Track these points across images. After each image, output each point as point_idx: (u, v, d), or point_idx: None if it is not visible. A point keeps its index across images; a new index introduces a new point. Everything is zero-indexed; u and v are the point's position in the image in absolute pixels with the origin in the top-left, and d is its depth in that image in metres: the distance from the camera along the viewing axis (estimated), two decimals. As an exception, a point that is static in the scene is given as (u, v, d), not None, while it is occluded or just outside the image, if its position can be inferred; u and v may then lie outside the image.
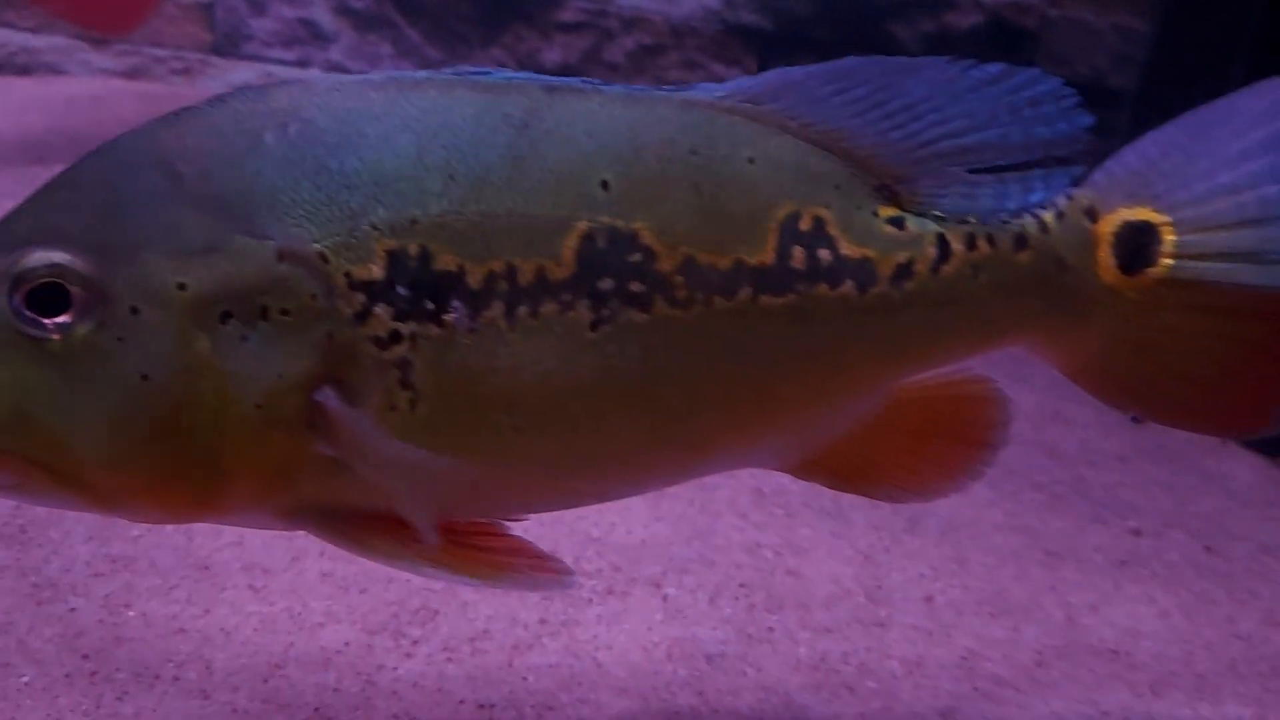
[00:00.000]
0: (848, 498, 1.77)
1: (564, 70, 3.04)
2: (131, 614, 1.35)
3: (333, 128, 0.86)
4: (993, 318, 1.00)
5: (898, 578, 1.59)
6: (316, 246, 0.84)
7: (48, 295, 0.80)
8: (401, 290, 0.85)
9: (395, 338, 0.85)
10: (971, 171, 1.00)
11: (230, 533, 1.51)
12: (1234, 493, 2.02)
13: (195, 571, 1.43)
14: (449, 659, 1.33)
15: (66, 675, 1.25)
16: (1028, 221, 1.00)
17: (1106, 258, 1.01)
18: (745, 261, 0.92)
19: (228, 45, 3.03)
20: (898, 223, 0.97)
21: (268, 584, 1.42)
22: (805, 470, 1.07)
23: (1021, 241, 0.99)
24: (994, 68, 0.99)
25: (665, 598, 1.48)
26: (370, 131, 0.86)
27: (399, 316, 0.85)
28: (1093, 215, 1.01)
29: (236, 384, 0.83)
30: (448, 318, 0.86)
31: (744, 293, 0.92)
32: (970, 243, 0.98)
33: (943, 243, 0.98)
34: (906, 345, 0.99)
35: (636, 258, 0.89)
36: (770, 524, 1.66)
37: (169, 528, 1.51)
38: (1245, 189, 1.01)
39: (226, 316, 0.83)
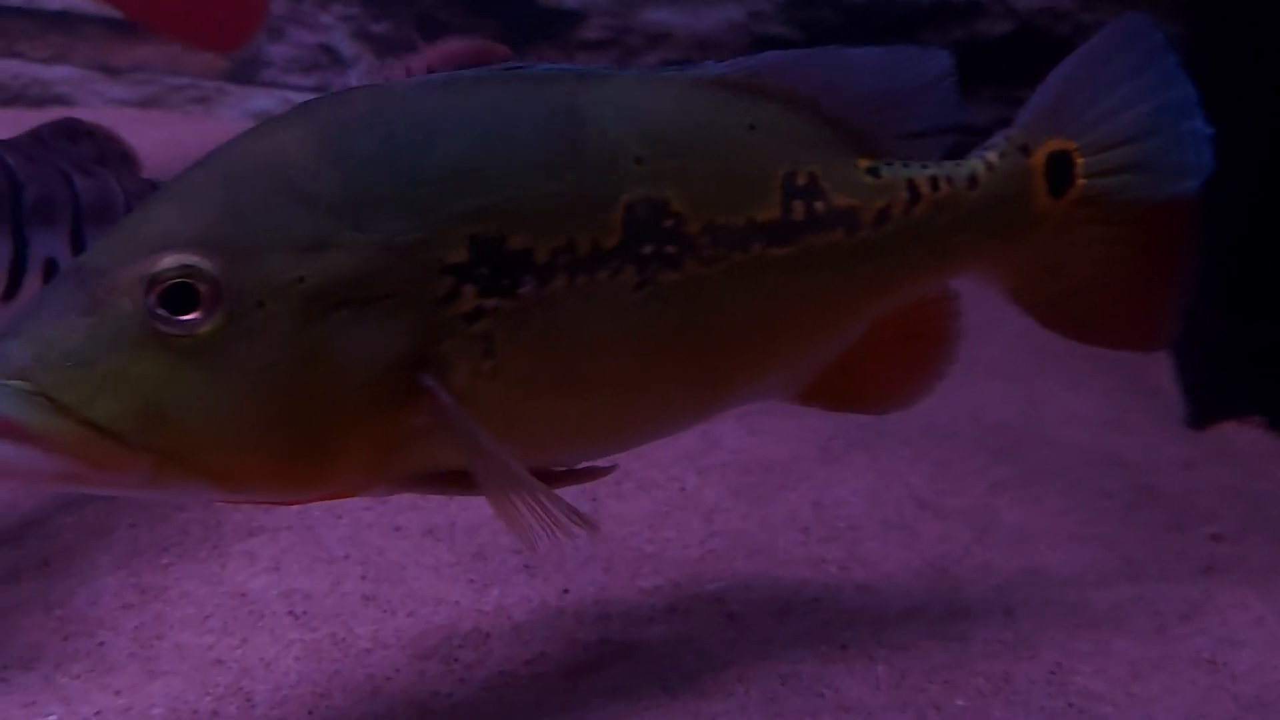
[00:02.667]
0: (912, 510, 1.69)
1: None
2: (164, 646, 1.27)
3: (413, 128, 0.95)
4: (953, 249, 1.17)
5: (973, 591, 1.49)
6: (411, 237, 0.92)
7: (178, 295, 0.87)
8: (483, 270, 0.94)
9: (479, 313, 0.94)
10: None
11: (266, 558, 1.43)
12: (1310, 497, 1.92)
13: (231, 599, 1.35)
14: (506, 684, 1.24)
15: (97, 713, 1.16)
16: (976, 163, 1.17)
17: (1039, 186, 1.19)
18: (755, 218, 1.05)
19: (245, 72, 2.98)
20: (874, 172, 1.12)
21: (309, 609, 1.34)
22: (807, 398, 1.19)
23: (973, 181, 1.16)
24: (912, 49, 1.15)
25: (730, 615, 1.39)
26: (444, 129, 0.96)
27: (481, 294, 0.94)
28: (1026, 152, 1.19)
29: (348, 365, 0.90)
30: (521, 291, 0.95)
31: (756, 246, 1.05)
32: (934, 185, 1.14)
33: (912, 187, 1.13)
34: (888, 279, 1.14)
35: (670, 224, 1.01)
36: (833, 537, 1.58)
37: (202, 553, 1.43)
38: (1124, 111, 1.20)
39: (338, 305, 0.90)
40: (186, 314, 0.87)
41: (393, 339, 0.91)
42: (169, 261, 0.87)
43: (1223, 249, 2.21)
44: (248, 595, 1.36)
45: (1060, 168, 1.19)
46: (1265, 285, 2.23)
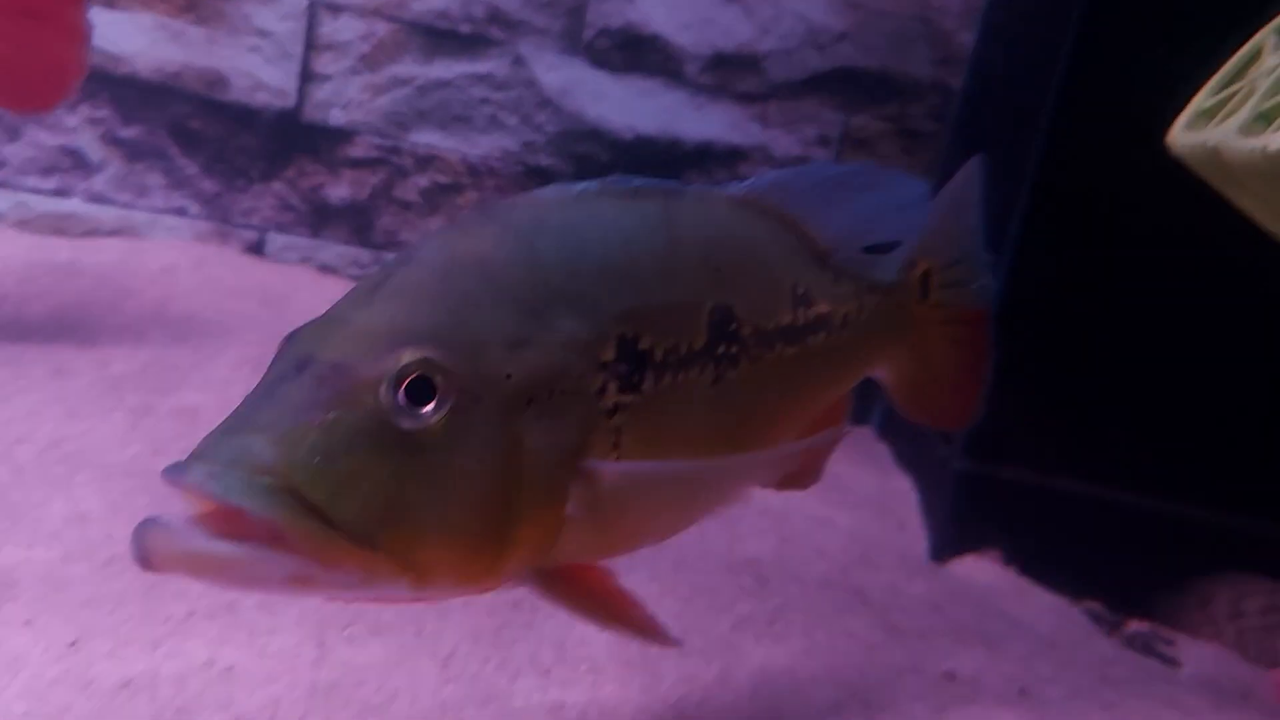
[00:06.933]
0: (655, 648, 1.65)
1: (353, 206, 2.91)
2: None
3: (571, 237, 1.04)
4: (884, 343, 1.38)
5: (712, 737, 1.46)
6: (585, 336, 1.01)
7: (419, 389, 0.90)
8: (622, 368, 1.03)
9: (616, 408, 1.03)
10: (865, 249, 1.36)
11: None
12: (1040, 636, 1.99)
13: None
14: None
15: None
16: (894, 276, 1.39)
17: (917, 294, 1.42)
18: (780, 323, 1.20)
19: (-25, 171, 2.77)
20: (839, 283, 1.29)
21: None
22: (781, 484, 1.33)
23: (890, 291, 1.38)
24: (896, 173, 1.37)
25: (457, 772, 1.30)
26: (593, 238, 1.05)
27: (620, 389, 1.03)
28: (914, 267, 1.42)
29: (535, 458, 0.95)
30: (644, 387, 1.05)
31: (780, 346, 1.20)
32: (871, 292, 1.34)
33: (861, 294, 1.33)
34: (844, 368, 1.34)
35: (734, 327, 1.14)
36: (574, 680, 1.52)
37: None
38: (957, 238, 1.45)
39: (530, 400, 0.96)
40: (424, 407, 0.90)
41: (566, 431, 0.98)
42: (410, 356, 0.90)
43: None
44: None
45: (926, 280, 1.43)
46: (997, 429, 2.34)
